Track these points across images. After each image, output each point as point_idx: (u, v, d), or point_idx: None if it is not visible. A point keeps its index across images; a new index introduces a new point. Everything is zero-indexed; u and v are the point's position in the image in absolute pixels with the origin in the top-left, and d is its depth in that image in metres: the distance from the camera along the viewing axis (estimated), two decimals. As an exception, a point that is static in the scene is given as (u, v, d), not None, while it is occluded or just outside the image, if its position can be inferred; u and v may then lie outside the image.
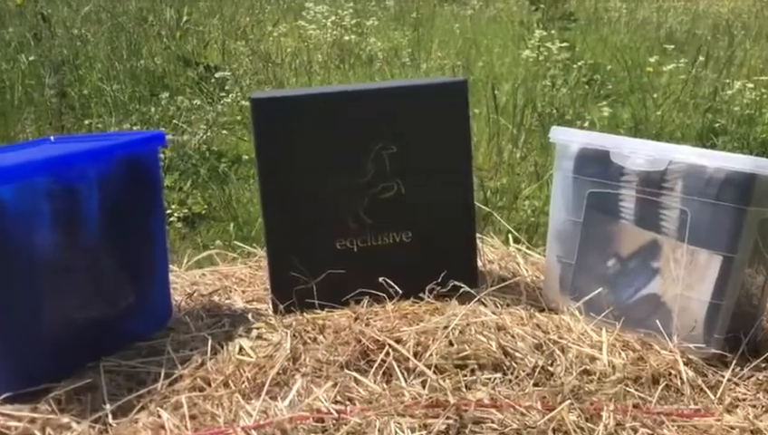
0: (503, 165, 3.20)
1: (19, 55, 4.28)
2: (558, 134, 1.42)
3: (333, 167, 1.36)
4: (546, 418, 1.04)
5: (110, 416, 1.06)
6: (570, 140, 1.40)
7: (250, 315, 1.36)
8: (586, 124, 3.57)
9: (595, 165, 1.36)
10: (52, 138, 1.43)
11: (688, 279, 1.27)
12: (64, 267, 1.15)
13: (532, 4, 4.86)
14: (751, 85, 3.56)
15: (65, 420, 1.06)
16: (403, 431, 1.00)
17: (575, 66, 4.14)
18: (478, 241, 1.70)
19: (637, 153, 1.32)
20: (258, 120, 1.33)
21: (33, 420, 1.05)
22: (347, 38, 4.89)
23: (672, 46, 4.48)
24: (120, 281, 1.27)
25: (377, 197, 1.38)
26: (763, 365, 1.26)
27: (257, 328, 1.31)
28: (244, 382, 1.14)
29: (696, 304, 1.27)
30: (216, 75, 3.95)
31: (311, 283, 1.32)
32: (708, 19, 5.45)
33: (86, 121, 3.48)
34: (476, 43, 4.81)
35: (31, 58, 4.17)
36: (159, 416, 1.06)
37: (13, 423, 1.04)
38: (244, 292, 1.50)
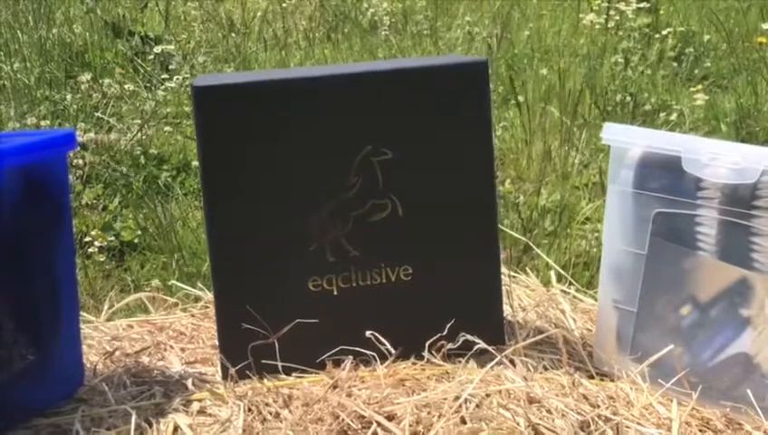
0: (553, 175, 3.25)
1: None
2: (612, 133, 1.47)
3: (304, 179, 1.41)
4: None
5: None
6: (629, 141, 1.45)
7: (190, 382, 1.41)
8: (672, 117, 3.63)
9: (663, 176, 1.41)
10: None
11: (790, 333, 1.31)
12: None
13: (599, -48, 4.95)
14: None
15: None
16: None
17: (658, 36, 4.20)
18: (507, 280, 1.76)
19: (720, 159, 1.37)
20: (202, 117, 1.38)
21: None
22: (339, -1, 4.99)
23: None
24: (11, 336, 1.31)
25: (364, 219, 1.43)
26: None
27: (199, 400, 1.36)
28: (179, 475, 1.19)
29: (801, 366, 1.31)
30: (157, 49, 4.02)
31: (273, 337, 1.37)
32: None
33: (-27, 114, 3.56)
34: (519, 4, 4.89)
35: None
36: None
37: None
38: (183, 350, 1.55)
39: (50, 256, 1.38)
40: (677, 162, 1.40)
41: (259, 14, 4.77)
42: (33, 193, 1.33)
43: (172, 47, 4.12)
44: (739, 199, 1.35)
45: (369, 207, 1.43)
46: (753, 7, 4.76)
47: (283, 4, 4.87)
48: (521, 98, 3.69)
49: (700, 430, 1.32)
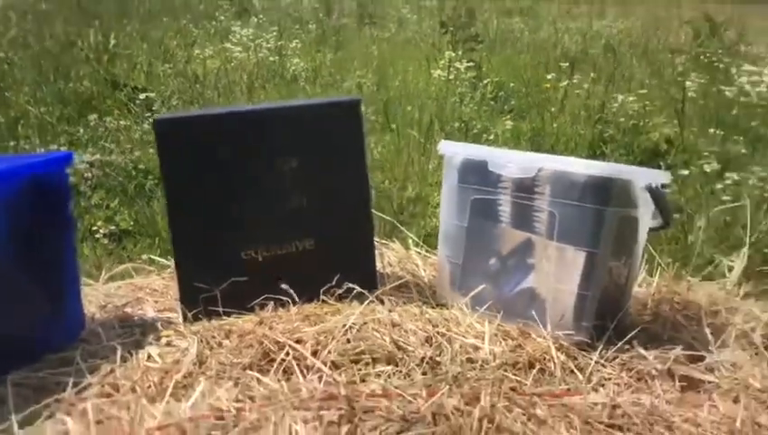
0: (415, 176, 3.26)
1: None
2: (445, 147, 1.48)
3: (238, 183, 1.37)
4: (429, 403, 1.08)
5: (15, 426, 1.04)
6: (454, 152, 1.46)
7: (160, 324, 1.36)
8: (491, 137, 3.68)
9: (476, 174, 1.42)
10: (-40, 160, 1.39)
11: (558, 273, 1.34)
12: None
13: (442, 27, 4.98)
14: (633, 98, 3.74)
15: (-29, 432, 1.04)
16: (297, 423, 1.02)
17: (481, 84, 4.26)
18: (381, 247, 1.75)
19: (511, 163, 1.39)
20: (162, 141, 1.33)
21: (-62, 434, 1.03)
22: (271, 59, 4.89)
23: (567, 64, 4.66)
24: (31, 298, 1.25)
25: (279, 208, 1.40)
26: (627, 347, 1.34)
27: (166, 336, 1.31)
28: (150, 387, 1.14)
29: (565, 295, 1.34)
30: (142, 96, 3.88)
31: (216, 291, 1.33)
32: (600, 39, 5.69)
33: (11, 143, 3.37)
34: (392, 62, 4.89)
35: (-43, 81, 4.01)
36: (65, 423, 1.05)
37: None
38: (156, 302, 1.49)
39: (56, 239, 1.31)
40: (485, 165, 1.41)
41: (214, 71, 4.63)
42: (42, 195, 1.26)
43: (153, 95, 3.97)
44: (524, 188, 1.37)
45: (283, 201, 1.40)
46: (541, 65, 4.87)
47: (231, 64, 4.75)
48: (393, 126, 3.70)
49: (503, 338, 1.34)
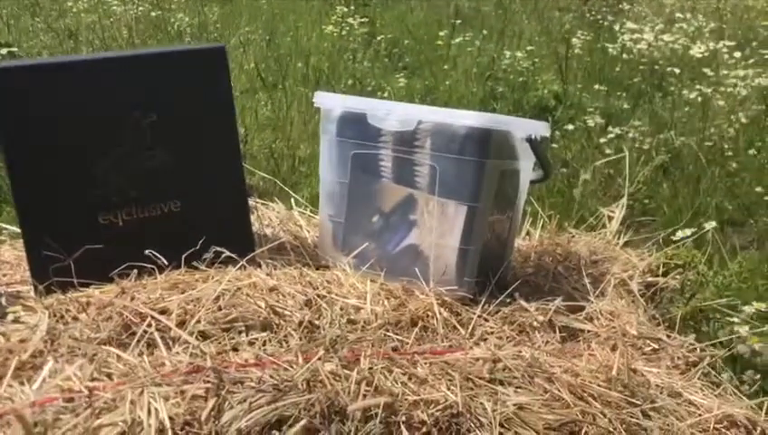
0: (307, 134, 3.15)
1: None
2: (321, 99, 1.39)
3: (88, 138, 1.23)
4: (302, 369, 1.02)
5: None
6: (332, 104, 1.38)
7: (4, 299, 1.21)
8: (385, 94, 3.61)
9: (356, 127, 1.35)
10: None
11: (440, 229, 1.30)
12: None
13: (334, -19, 4.84)
14: (522, 54, 3.77)
15: None
16: (156, 401, 0.93)
17: (374, 41, 4.17)
18: (262, 207, 1.65)
19: (391, 114, 1.32)
20: (2, 92, 1.17)
21: None
22: (153, 14, 4.58)
23: (459, 21, 4.64)
24: None
25: (140, 167, 1.28)
26: (509, 301, 1.33)
27: (14, 312, 1.17)
28: (-10, 370, 1.01)
29: (447, 250, 1.30)
30: (3, 51, 3.53)
31: (67, 260, 1.20)
32: (492, -4, 5.71)
33: None
34: (283, 18, 4.70)
35: None
36: None
37: None
38: (5, 275, 1.34)
39: None
40: (364, 118, 1.34)
41: (91, 25, 4.29)
42: None
43: (17, 50, 3.61)
44: (405, 141, 1.31)
45: (142, 158, 1.27)
46: (434, 22, 4.82)
47: (109, 19, 4.42)
48: (284, 84, 3.56)
49: (386, 298, 1.29)
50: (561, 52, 3.88)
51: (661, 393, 1.15)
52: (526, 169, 1.40)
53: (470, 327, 1.25)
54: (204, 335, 1.12)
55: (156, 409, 0.91)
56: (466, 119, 1.27)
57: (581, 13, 5.06)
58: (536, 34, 4.64)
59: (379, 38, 4.30)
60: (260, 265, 1.33)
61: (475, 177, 1.27)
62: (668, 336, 1.37)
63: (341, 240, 1.40)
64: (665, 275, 1.60)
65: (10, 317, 1.16)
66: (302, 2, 5.19)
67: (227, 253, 1.25)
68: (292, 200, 1.75)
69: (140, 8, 4.60)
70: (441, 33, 4.25)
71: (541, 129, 1.38)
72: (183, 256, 1.27)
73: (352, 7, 4.46)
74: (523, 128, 1.33)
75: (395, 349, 1.16)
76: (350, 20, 4.34)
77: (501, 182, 1.32)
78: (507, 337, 1.26)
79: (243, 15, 4.76)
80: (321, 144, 1.41)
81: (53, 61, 1.29)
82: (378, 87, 3.76)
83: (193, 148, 1.30)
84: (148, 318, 1.11)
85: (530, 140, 1.33)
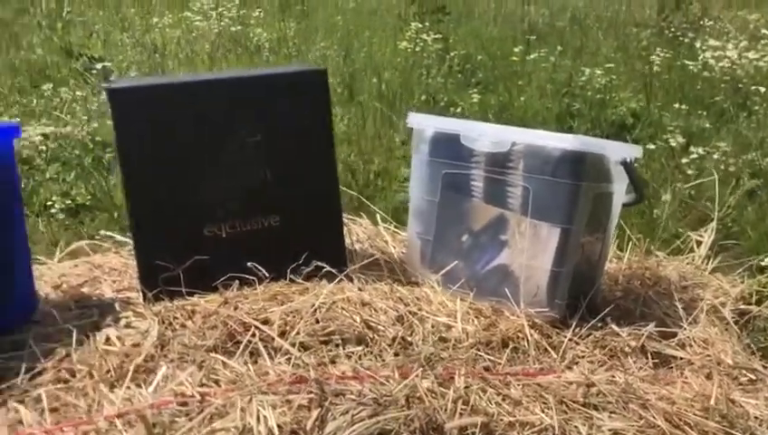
0: (381, 149, 3.20)
1: None
2: (415, 120, 1.43)
3: (198, 155, 1.30)
4: (401, 385, 1.05)
5: (-37, 416, 0.98)
6: (425, 125, 1.41)
7: (118, 305, 1.29)
8: (458, 110, 3.63)
9: (448, 148, 1.38)
10: None
11: (532, 250, 1.31)
12: None
13: (408, -2, 4.89)
14: (600, 71, 3.73)
15: None
16: (265, 409, 0.97)
17: (448, 57, 4.20)
18: (349, 223, 1.70)
19: (484, 136, 1.34)
20: (116, 111, 1.25)
21: None
22: (233, 29, 4.74)
23: (534, 37, 4.62)
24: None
25: (243, 183, 1.34)
26: (600, 325, 1.32)
27: (125, 317, 1.25)
28: (108, 372, 1.08)
29: (539, 272, 1.31)
30: (99, 66, 3.73)
31: (177, 270, 1.26)
32: (567, 12, 5.66)
33: (-40, 114, 3.21)
34: (357, 33, 4.79)
35: None
36: (17, 411, 0.99)
37: None
38: (114, 281, 1.42)
39: (6, 217, 1.22)
40: (457, 138, 1.37)
41: (175, 40, 4.48)
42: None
43: (110, 64, 3.81)
44: (497, 162, 1.33)
45: (246, 176, 1.34)
46: (509, 37, 4.81)
47: (192, 34, 4.59)
48: (359, 98, 3.62)
49: (476, 317, 1.31)
50: (640, 69, 3.82)
51: (760, 426, 1.13)
52: (619, 191, 1.39)
53: (561, 350, 1.25)
54: (304, 346, 1.16)
55: (265, 416, 0.96)
56: (561, 141, 1.28)
57: (660, 29, 4.96)
58: (612, 51, 4.58)
59: (452, 54, 4.33)
60: (352, 280, 1.37)
61: (569, 199, 1.27)
62: (765, 367, 1.33)
63: (429, 258, 1.43)
64: (758, 303, 1.56)
65: (122, 322, 1.23)
66: (377, 18, 5.27)
67: (327, 267, 1.29)
68: (378, 216, 1.78)
69: (222, 23, 4.76)
70: (516, 49, 4.24)
71: (634, 152, 1.38)
72: (282, 269, 1.32)
73: (427, 23, 4.50)
74: (618, 151, 1.33)
75: (487, 369, 1.18)
76: (424, 36, 4.38)
77: (594, 205, 1.32)
78: (599, 361, 1.25)
79: (319, 31, 4.87)
80: (412, 163, 1.44)
81: (166, 81, 1.37)
82: (450, 103, 3.78)
83: (293, 166, 1.36)
84: (252, 328, 1.16)
85: (625, 164, 1.32)
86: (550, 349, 1.25)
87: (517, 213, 1.32)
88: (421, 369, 1.09)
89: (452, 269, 1.38)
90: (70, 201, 2.66)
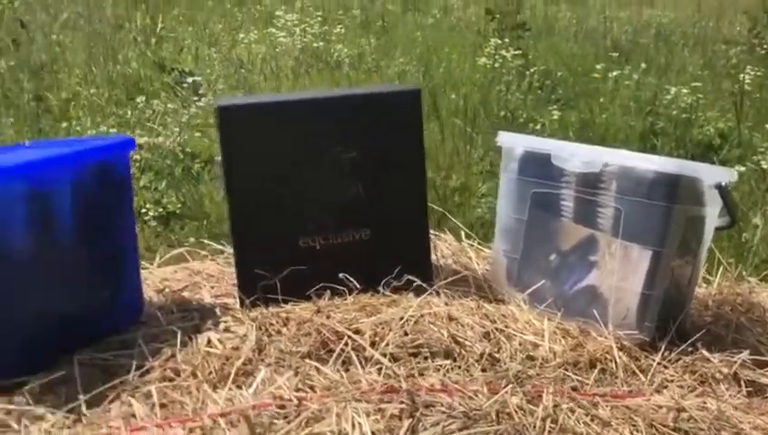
0: (460, 165, 3.23)
1: (-2, 60, 4.19)
2: (504, 138, 1.45)
3: (296, 170, 1.37)
4: (491, 401, 1.07)
5: (83, 406, 1.06)
6: (515, 143, 1.43)
7: (218, 310, 1.36)
8: (537, 127, 3.62)
9: (538, 167, 1.39)
10: (26, 142, 1.42)
11: (622, 271, 1.31)
12: (39, 265, 1.14)
13: (488, 14, 4.90)
14: (686, 90, 3.64)
15: (40, 411, 1.05)
16: (359, 416, 1.01)
17: (528, 73, 4.19)
18: (433, 238, 1.73)
19: (575, 156, 1.35)
20: (224, 127, 1.33)
21: (8, 412, 1.05)
22: (315, 45, 4.88)
23: (617, 54, 4.55)
24: (93, 278, 1.26)
25: (338, 198, 1.39)
26: (690, 349, 1.30)
27: (224, 321, 1.31)
28: (211, 372, 1.14)
29: (629, 294, 1.30)
30: (189, 80, 3.91)
31: (275, 279, 1.33)
32: (651, 28, 5.54)
33: (64, 124, 3.43)
34: (437, 49, 4.83)
35: (10, 63, 4.09)
36: (131, 405, 1.06)
37: (-11, 415, 1.04)
38: (212, 287, 1.50)
39: (118, 222, 1.32)
40: (548, 158, 1.38)
41: (260, 56, 4.64)
42: (106, 179, 1.27)
43: (200, 78, 4.00)
44: (588, 183, 1.34)
45: (340, 190, 1.39)
46: (590, 54, 4.76)
47: (276, 49, 4.75)
48: (438, 114, 3.66)
49: (563, 337, 1.31)
50: (728, 88, 3.71)
51: None
52: (711, 215, 1.37)
53: (650, 373, 1.24)
54: (393, 358, 1.20)
55: (359, 423, 1.00)
56: (654, 163, 1.27)
57: (751, 46, 4.79)
58: (699, 68, 4.46)
59: (531, 70, 4.31)
60: (438, 295, 1.40)
61: (662, 221, 1.27)
62: None
63: (516, 276, 1.45)
64: None
65: (221, 326, 1.30)
66: (456, 34, 5.31)
67: (418, 281, 1.33)
68: (462, 233, 1.81)
69: (305, 39, 4.91)
70: (597, 66, 4.18)
71: (729, 175, 1.35)
72: (371, 281, 1.36)
73: (506, 39, 4.50)
74: (712, 174, 1.32)
75: (575, 389, 1.18)
76: (504, 52, 4.38)
77: (686, 228, 1.31)
78: (689, 387, 1.24)
79: (398, 47, 4.94)
80: (501, 181, 1.47)
81: (271, 100, 1.44)
82: (530, 119, 3.77)
83: (385, 182, 1.40)
84: (345, 337, 1.21)
85: (720, 187, 1.31)
86: (638, 372, 1.25)
87: (608, 234, 1.32)
88: (510, 386, 1.11)
89: (539, 288, 1.39)
90: (161, 209, 2.80)
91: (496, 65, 4.30)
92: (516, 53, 4.36)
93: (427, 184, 1.46)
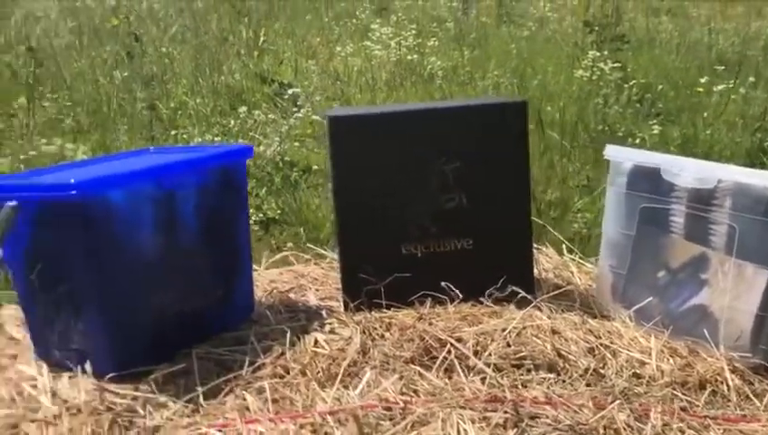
0: (556, 179, 3.18)
1: (114, 71, 4.48)
2: (612, 152, 1.43)
3: (401, 179, 1.40)
4: (598, 416, 1.06)
5: (201, 397, 1.12)
6: (623, 157, 1.41)
7: (323, 312, 1.41)
8: (637, 141, 3.52)
9: (647, 181, 1.37)
10: (151, 149, 1.52)
11: (735, 291, 1.26)
12: (165, 265, 1.22)
13: (586, 26, 4.81)
14: (801, 105, 3.45)
15: (163, 399, 1.13)
16: (464, 423, 1.03)
17: (627, 86, 4.08)
18: (534, 251, 1.72)
19: (686, 171, 1.32)
20: (334, 136, 1.38)
21: (135, 398, 1.12)
22: (409, 57, 4.94)
23: (722, 67, 4.37)
24: (211, 277, 1.34)
25: (440, 207, 1.41)
26: (808, 376, 1.24)
27: (330, 323, 1.36)
28: (319, 372, 1.19)
29: (742, 315, 1.26)
30: (289, 92, 4.04)
31: (379, 285, 1.36)
32: (759, 41, 5.29)
33: (173, 132, 3.62)
34: (531, 62, 4.79)
35: (125, 74, 4.36)
36: (245, 399, 1.12)
37: (118, 400, 1.12)
38: (317, 290, 1.55)
39: (235, 225, 1.39)
40: (658, 172, 1.35)
41: (356, 69, 4.75)
42: (226, 184, 1.35)
43: (299, 90, 4.13)
44: (700, 199, 1.30)
45: (443, 200, 1.41)
46: (693, 67, 4.59)
47: (371, 62, 4.84)
48: (531, 126, 3.62)
49: (670, 355, 1.28)
50: None
51: None
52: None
53: (765, 399, 1.19)
54: (496, 368, 1.20)
55: (465, 430, 1.01)
56: (775, 181, 1.22)
57: None
58: (814, 82, 4.21)
59: (631, 83, 4.20)
60: (540, 308, 1.39)
61: (782, 241, 1.22)
62: None
63: (622, 292, 1.42)
64: None
65: (327, 328, 1.35)
66: (552, 46, 5.25)
67: (522, 293, 1.33)
68: (564, 247, 1.79)
69: (398, 52, 4.98)
70: (701, 80, 4.03)
71: None
72: (472, 291, 1.38)
73: (605, 52, 4.41)
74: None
75: (684, 409, 1.15)
76: (602, 64, 4.29)
77: (808, 249, 1.25)
78: (808, 415, 1.18)
79: (492, 59, 4.93)
80: (607, 195, 1.45)
81: (378, 111, 1.47)
82: (628, 133, 3.67)
83: (488, 192, 1.41)
84: (448, 345, 1.23)
85: None
86: (752, 396, 1.20)
87: (720, 252, 1.28)
88: (617, 402, 1.09)
89: (645, 305, 1.36)
90: (261, 214, 2.91)
91: (594, 78, 4.22)
92: (615, 65, 4.25)
93: (531, 196, 1.46)
